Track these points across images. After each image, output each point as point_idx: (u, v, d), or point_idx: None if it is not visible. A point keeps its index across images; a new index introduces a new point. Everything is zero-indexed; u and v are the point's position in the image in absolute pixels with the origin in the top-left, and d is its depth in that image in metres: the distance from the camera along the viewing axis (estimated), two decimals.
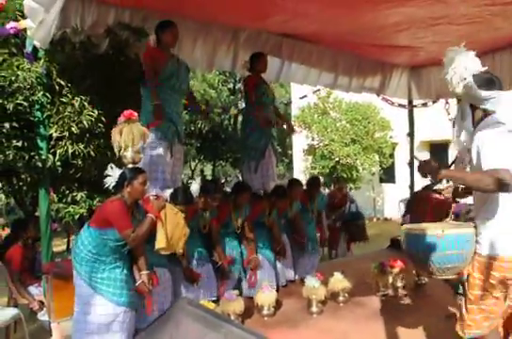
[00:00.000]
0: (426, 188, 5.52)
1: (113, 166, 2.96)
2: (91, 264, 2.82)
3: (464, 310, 2.24)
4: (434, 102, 6.79)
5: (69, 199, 3.83)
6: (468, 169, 2.32)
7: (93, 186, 3.80)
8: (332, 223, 7.23)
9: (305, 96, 7.28)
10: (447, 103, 6.45)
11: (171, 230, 3.07)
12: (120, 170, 2.94)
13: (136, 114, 3.07)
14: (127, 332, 2.87)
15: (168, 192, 3.57)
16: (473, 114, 2.25)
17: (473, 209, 2.37)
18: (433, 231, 2.25)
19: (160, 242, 3.05)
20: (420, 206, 5.55)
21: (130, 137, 3.00)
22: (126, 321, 2.85)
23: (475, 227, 2.24)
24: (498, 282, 2.10)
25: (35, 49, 3.43)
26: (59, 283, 3.24)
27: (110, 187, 2.93)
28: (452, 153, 10.52)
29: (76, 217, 3.79)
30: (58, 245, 6.29)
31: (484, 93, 2.14)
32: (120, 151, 3.02)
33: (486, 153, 2.05)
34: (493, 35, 4.69)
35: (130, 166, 3.03)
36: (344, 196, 7.27)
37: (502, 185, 1.96)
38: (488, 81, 2.18)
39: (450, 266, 2.24)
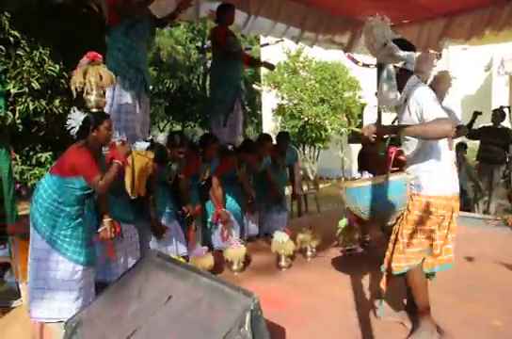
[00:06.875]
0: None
1: (75, 109, 2.74)
2: (55, 217, 2.71)
3: (402, 246, 2.55)
4: None
5: (33, 160, 3.71)
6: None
7: (59, 147, 3.69)
8: None
9: (267, 44, 7.15)
10: None
11: (138, 174, 3.01)
12: (83, 114, 2.73)
13: (100, 56, 2.90)
14: (85, 289, 2.83)
15: (139, 145, 3.45)
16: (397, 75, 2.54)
17: (410, 157, 2.61)
18: (374, 181, 2.53)
19: (128, 188, 2.99)
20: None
21: (95, 79, 2.82)
22: (84, 279, 2.82)
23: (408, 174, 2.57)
24: (436, 216, 2.48)
25: None
26: (25, 244, 3.19)
27: (73, 132, 2.73)
28: None
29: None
30: (25, 209, 6.13)
31: (405, 54, 2.50)
32: (80, 93, 2.85)
33: (427, 106, 2.35)
34: None
35: (94, 110, 2.90)
36: None
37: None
38: (406, 44, 2.54)
39: (392, 211, 2.52)
